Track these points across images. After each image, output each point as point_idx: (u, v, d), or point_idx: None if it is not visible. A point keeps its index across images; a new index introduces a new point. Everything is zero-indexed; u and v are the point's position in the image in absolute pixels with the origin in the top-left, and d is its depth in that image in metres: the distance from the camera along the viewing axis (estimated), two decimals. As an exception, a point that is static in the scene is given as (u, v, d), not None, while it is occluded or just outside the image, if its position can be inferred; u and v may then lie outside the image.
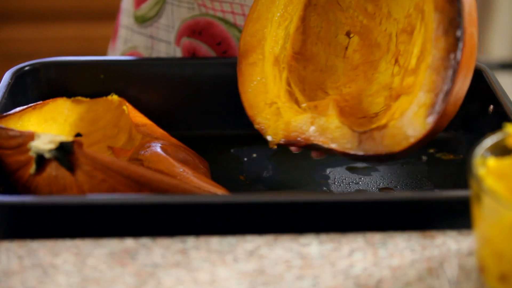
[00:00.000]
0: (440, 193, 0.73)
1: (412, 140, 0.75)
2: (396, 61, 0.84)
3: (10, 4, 2.28)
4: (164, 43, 1.03)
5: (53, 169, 0.73)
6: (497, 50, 2.10)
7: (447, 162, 0.87)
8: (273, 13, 0.86)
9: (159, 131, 0.88)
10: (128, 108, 0.88)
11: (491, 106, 0.86)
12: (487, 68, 0.90)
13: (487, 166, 0.62)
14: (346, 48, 0.88)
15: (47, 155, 0.73)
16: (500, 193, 0.61)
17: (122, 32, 1.10)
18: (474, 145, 0.64)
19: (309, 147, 0.81)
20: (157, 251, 0.67)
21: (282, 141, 0.82)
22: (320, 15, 0.89)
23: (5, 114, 0.82)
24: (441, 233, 0.69)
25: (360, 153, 0.77)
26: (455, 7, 0.74)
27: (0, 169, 0.76)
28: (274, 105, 0.83)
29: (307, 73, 0.87)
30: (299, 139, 0.81)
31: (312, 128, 0.80)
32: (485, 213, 0.60)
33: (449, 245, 0.68)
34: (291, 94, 0.85)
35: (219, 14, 0.98)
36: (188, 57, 1.01)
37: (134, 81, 0.94)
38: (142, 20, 1.05)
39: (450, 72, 0.73)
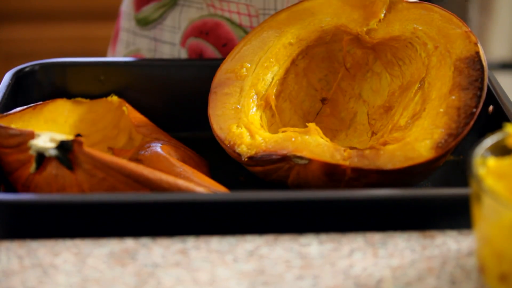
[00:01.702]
0: (440, 193, 0.73)
1: (407, 163, 0.75)
2: (373, 133, 0.87)
3: (10, 4, 2.29)
4: (168, 44, 1.03)
5: (53, 168, 0.73)
6: (497, 50, 2.10)
7: (447, 162, 0.87)
8: (259, 56, 0.87)
9: (159, 131, 0.88)
10: (128, 109, 0.88)
11: (491, 106, 0.86)
12: (487, 68, 0.90)
13: (487, 166, 0.62)
14: (317, 114, 0.90)
15: (47, 154, 0.73)
16: (500, 193, 0.61)
17: (123, 36, 1.09)
18: (474, 145, 0.64)
19: (284, 160, 0.78)
20: (157, 251, 0.67)
21: (256, 154, 0.79)
22: (297, 76, 0.90)
23: (5, 114, 0.82)
24: (441, 233, 0.69)
25: (346, 164, 0.76)
26: (478, 72, 0.79)
27: (0, 168, 0.76)
28: (246, 128, 0.81)
29: (274, 120, 0.87)
30: (275, 154, 0.78)
31: (292, 142, 0.78)
32: (485, 213, 0.60)
33: (449, 245, 0.68)
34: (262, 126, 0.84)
35: (226, 14, 0.98)
36: (188, 58, 1.01)
37: (134, 82, 0.94)
38: (144, 23, 1.05)
39: (464, 120, 0.77)
